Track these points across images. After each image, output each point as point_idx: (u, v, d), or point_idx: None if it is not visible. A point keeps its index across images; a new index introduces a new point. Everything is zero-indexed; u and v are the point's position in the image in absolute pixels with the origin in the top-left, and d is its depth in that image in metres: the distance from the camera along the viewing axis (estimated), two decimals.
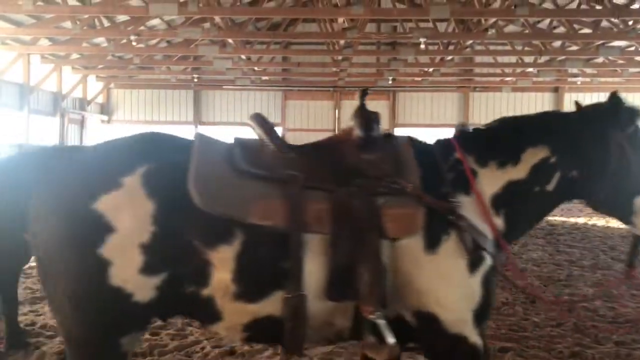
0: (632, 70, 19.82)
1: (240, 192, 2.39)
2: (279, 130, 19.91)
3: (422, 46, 14.26)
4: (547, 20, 17.59)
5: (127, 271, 2.29)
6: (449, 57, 18.04)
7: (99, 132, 22.17)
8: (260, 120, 2.67)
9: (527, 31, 16.48)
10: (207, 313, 2.42)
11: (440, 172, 2.61)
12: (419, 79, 21.05)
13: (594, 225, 14.29)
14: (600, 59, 18.80)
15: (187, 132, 23.90)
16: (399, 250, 2.44)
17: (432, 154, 2.69)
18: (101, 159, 2.47)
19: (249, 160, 2.51)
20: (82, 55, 19.03)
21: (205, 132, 3.00)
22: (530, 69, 19.41)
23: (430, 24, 16.28)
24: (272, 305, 2.38)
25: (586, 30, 16.63)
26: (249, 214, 2.34)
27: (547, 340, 5.60)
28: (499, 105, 23.35)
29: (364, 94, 2.77)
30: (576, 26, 16.50)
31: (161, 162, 2.39)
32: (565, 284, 7.79)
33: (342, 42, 15.59)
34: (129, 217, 2.28)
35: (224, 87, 23.61)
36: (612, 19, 14.37)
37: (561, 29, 17.32)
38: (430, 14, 12.38)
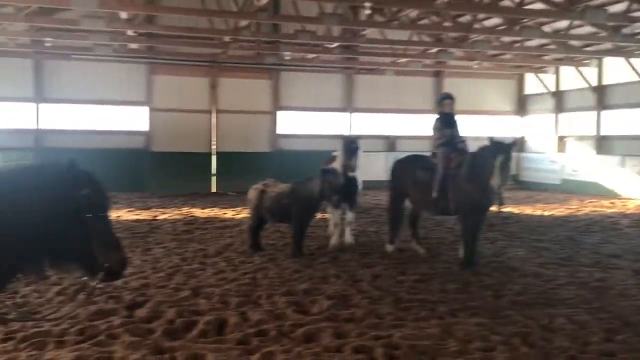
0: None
1: None
2: (144, 111, 16.71)
3: None
4: None
5: None
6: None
7: None
8: None
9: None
10: None
11: None
12: (312, 55, 19.16)
13: None
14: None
15: (26, 111, 19.43)
16: None
17: None
18: None
19: None
20: None
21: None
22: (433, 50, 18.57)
23: None
24: None
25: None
26: None
27: None
28: (382, 88, 22.34)
29: None
30: None
31: None
32: None
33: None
34: None
35: (73, 56, 19.53)
36: None
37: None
38: None
